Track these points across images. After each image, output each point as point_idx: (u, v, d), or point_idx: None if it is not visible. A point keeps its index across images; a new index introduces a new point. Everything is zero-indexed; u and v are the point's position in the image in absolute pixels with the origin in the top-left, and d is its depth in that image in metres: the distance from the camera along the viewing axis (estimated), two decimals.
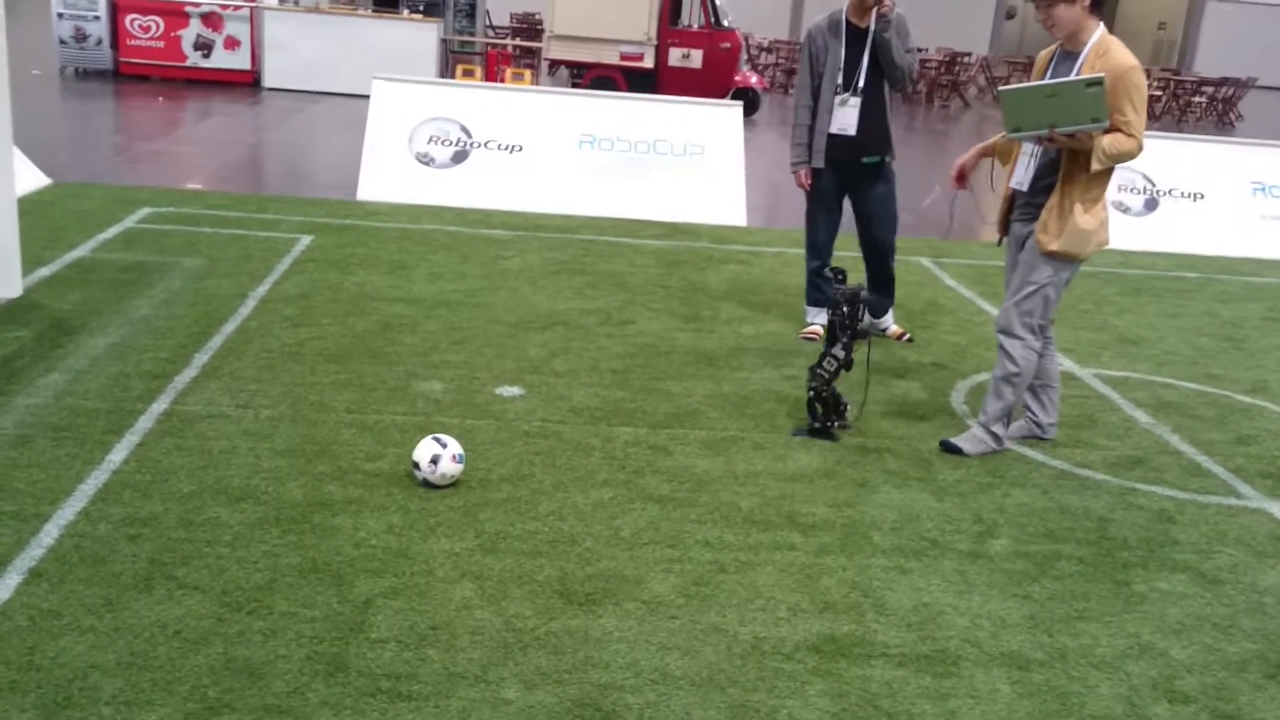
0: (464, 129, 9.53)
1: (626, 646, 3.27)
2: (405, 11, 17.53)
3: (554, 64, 18.70)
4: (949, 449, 4.87)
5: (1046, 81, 4.40)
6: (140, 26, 15.51)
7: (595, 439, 4.70)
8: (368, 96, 9.72)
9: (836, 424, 4.94)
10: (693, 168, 9.60)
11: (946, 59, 24.11)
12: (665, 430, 4.85)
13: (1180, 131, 18.07)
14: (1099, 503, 4.50)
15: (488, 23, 21.04)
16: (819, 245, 6.38)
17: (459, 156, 9.45)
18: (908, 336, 6.43)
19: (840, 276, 4.95)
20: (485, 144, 9.50)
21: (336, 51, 15.92)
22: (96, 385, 4.80)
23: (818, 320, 6.39)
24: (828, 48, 6.03)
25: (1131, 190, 10.00)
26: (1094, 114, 4.32)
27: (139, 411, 4.57)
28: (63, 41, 15.44)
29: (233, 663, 3.05)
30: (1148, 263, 9.17)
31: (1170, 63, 37.00)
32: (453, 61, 17.86)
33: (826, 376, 4.83)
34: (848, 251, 6.89)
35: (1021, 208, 4.78)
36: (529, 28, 23.48)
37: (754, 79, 18.13)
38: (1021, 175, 4.71)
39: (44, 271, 6.33)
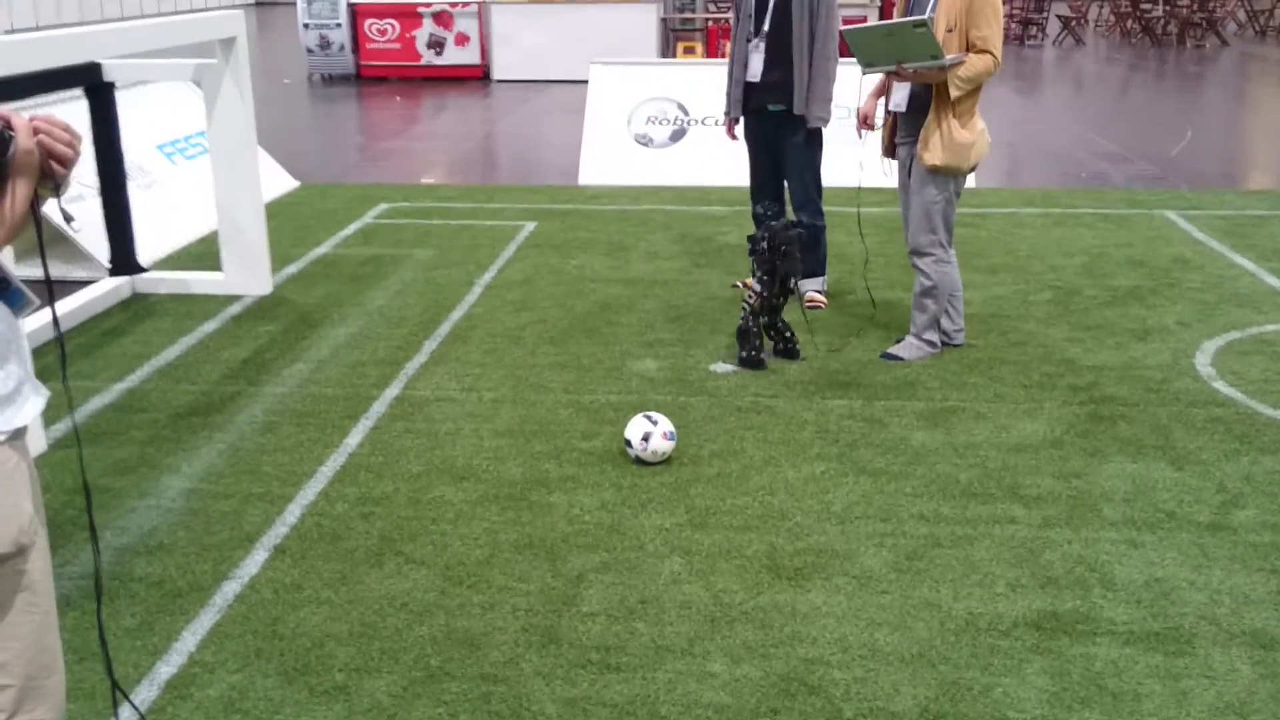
0: (681, 107, 9.58)
1: (835, 621, 3.24)
2: None
3: None
4: (889, 358, 5.19)
5: (881, 24, 4.74)
6: (378, 30, 16.35)
7: (809, 412, 4.66)
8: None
9: (761, 353, 5.12)
10: None
11: None
12: (881, 402, 4.76)
13: None
14: None
15: None
16: (751, 191, 6.13)
17: (677, 135, 9.51)
18: (816, 305, 5.98)
19: (770, 213, 5.08)
20: (702, 121, 9.52)
21: (560, 40, 16.31)
22: (336, 374, 5.12)
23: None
24: None
25: None
26: (930, 51, 4.66)
27: (374, 397, 4.85)
28: (309, 50, 16.45)
29: (453, 634, 3.20)
30: None
31: None
32: (674, 40, 17.95)
33: (747, 310, 5.09)
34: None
35: (904, 130, 5.09)
36: None
37: None
38: (899, 98, 5.02)
39: (291, 269, 6.79)
